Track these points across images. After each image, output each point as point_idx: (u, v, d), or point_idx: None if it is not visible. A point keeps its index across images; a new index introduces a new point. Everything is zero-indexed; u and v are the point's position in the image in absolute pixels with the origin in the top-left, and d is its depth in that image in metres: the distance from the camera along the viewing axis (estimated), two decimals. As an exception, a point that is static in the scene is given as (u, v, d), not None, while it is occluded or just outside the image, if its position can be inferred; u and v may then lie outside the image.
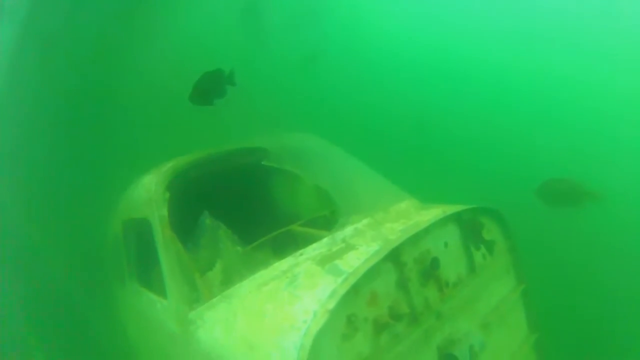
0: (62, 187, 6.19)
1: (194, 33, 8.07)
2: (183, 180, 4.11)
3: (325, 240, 3.27)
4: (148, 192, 3.94)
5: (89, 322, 5.20)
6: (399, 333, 2.78)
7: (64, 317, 5.36)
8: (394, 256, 2.80)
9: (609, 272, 5.80)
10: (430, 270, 2.95)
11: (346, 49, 10.72)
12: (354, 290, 2.57)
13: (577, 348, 4.76)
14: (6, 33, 6.32)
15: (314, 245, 3.24)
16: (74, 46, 6.63)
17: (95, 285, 5.21)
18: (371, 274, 2.66)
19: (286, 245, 3.70)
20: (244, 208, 4.56)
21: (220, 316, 3.09)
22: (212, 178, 4.29)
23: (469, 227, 3.38)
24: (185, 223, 3.97)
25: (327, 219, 4.15)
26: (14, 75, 6.33)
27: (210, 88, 4.06)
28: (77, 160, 6.46)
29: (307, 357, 2.28)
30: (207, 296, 3.32)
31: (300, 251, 3.21)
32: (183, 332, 3.33)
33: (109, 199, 4.90)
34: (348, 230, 3.35)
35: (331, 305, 2.43)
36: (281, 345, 2.50)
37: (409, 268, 2.87)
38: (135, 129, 6.98)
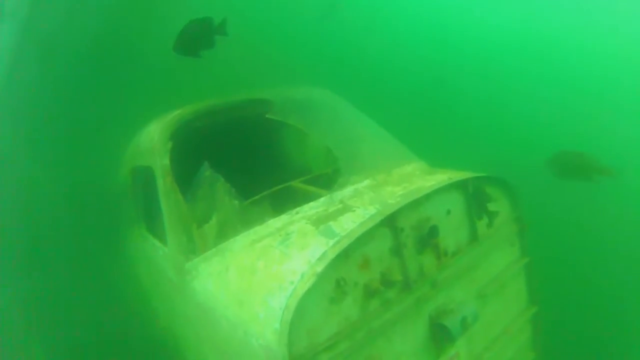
0: (70, 128, 6.17)
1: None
2: (187, 130, 4.02)
3: (322, 199, 3.18)
4: (151, 140, 3.88)
5: (99, 267, 5.27)
6: (390, 299, 2.72)
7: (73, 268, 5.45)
8: (391, 221, 2.70)
9: (620, 252, 5.65)
10: (428, 238, 2.85)
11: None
12: (345, 254, 2.49)
13: (577, 324, 4.71)
14: (7, 35, 6.19)
15: (311, 204, 3.16)
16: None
17: (105, 230, 5.27)
18: (365, 238, 2.57)
19: (285, 201, 3.63)
20: (247, 161, 4.48)
21: (213, 269, 3.09)
22: (217, 129, 4.19)
23: (474, 196, 3.24)
24: (188, 173, 3.93)
25: (330, 177, 4.05)
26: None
27: (196, 37, 3.80)
28: (85, 106, 6.40)
29: (290, 319, 2.25)
30: (203, 248, 3.31)
31: (297, 209, 3.14)
32: (180, 281, 3.36)
33: (118, 145, 4.86)
34: (347, 190, 3.24)
35: (320, 268, 2.37)
36: (268, 304, 2.47)
37: (405, 234, 2.77)
38: (146, 82, 6.80)
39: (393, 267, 2.71)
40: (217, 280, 2.99)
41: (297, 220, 3.00)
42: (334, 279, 2.46)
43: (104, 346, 4.66)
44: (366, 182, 3.33)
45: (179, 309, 3.56)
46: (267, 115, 3.95)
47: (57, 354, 4.94)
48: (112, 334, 4.69)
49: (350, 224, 2.68)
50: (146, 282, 4.44)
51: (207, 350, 3.26)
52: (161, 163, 3.65)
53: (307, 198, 3.43)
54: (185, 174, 3.84)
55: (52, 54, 6.30)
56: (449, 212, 3.07)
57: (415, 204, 2.83)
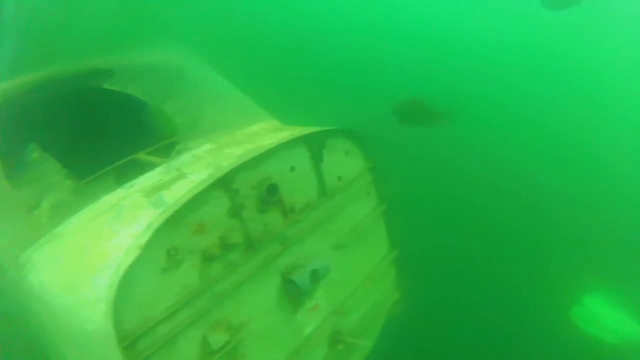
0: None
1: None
2: (16, 107, 3.59)
3: (159, 169, 3.03)
4: None
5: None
6: (234, 262, 2.68)
7: None
8: (225, 183, 2.63)
9: (471, 193, 6.20)
10: (268, 196, 2.82)
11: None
12: (175, 222, 2.39)
13: (437, 263, 5.13)
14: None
15: (147, 174, 3.00)
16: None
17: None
18: (196, 203, 2.48)
19: (132, 175, 3.41)
20: (92, 136, 4.13)
21: (47, 257, 2.84)
22: (53, 103, 3.79)
23: (319, 150, 3.26)
24: (18, 154, 3.53)
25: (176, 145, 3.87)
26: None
27: None
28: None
29: (114, 296, 2.12)
30: (35, 236, 3.01)
31: (132, 182, 2.96)
32: (17, 277, 3.05)
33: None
34: (185, 157, 3.12)
35: (144, 239, 2.24)
36: (95, 284, 2.32)
37: (243, 195, 2.72)
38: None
39: (233, 230, 2.66)
40: (51, 268, 2.75)
41: (132, 193, 2.82)
42: (164, 248, 2.35)
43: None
44: (206, 147, 3.22)
45: (25, 306, 3.25)
46: (104, 87, 3.64)
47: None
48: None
49: (181, 191, 2.56)
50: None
51: (60, 344, 3.04)
52: None
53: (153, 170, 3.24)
54: (15, 155, 3.45)
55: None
56: (293, 168, 3.07)
57: (252, 164, 2.77)
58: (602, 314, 5.72)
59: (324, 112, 4.01)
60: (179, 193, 2.55)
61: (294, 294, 2.98)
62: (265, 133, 3.43)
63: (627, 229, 6.45)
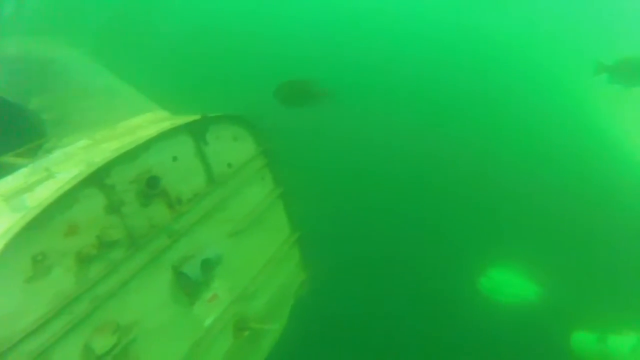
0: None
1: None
2: None
3: (24, 170, 2.78)
4: None
5: None
6: (117, 260, 2.55)
7: None
8: (97, 179, 2.47)
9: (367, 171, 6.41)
10: (148, 190, 2.70)
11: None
12: (39, 225, 2.21)
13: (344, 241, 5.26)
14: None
15: (9, 177, 2.74)
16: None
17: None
18: (64, 203, 2.31)
19: None
20: None
21: None
22: None
23: (203, 137, 3.18)
24: None
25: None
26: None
27: None
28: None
29: None
30: None
31: None
32: None
33: None
34: (56, 155, 2.89)
35: None
36: None
37: (121, 190, 2.58)
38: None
39: (112, 227, 2.52)
40: None
41: None
42: (28, 255, 2.17)
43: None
44: (81, 143, 3.01)
45: None
46: None
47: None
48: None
49: (47, 193, 2.37)
50: None
51: None
52: None
53: None
54: None
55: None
56: (175, 158, 2.96)
57: (128, 157, 2.63)
58: (504, 282, 6.23)
59: (216, 100, 3.92)
60: (44, 194, 2.36)
61: (187, 286, 2.91)
62: (148, 124, 3.27)
63: (524, 210, 7.02)
